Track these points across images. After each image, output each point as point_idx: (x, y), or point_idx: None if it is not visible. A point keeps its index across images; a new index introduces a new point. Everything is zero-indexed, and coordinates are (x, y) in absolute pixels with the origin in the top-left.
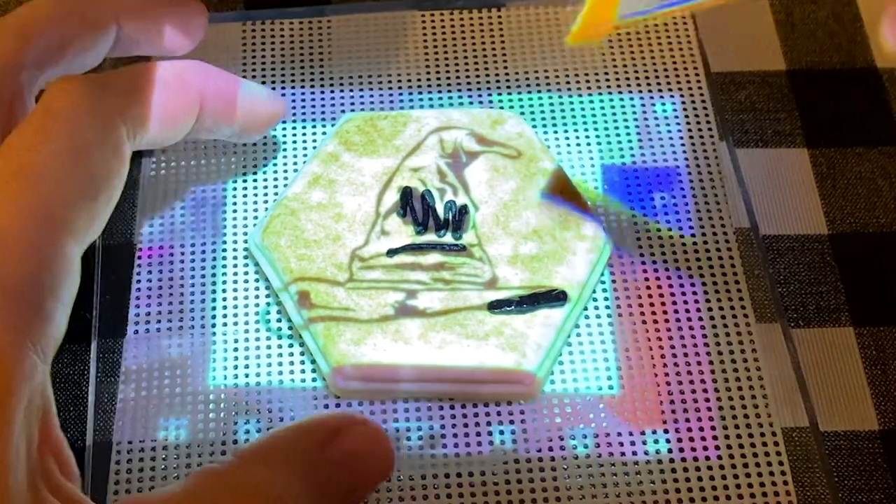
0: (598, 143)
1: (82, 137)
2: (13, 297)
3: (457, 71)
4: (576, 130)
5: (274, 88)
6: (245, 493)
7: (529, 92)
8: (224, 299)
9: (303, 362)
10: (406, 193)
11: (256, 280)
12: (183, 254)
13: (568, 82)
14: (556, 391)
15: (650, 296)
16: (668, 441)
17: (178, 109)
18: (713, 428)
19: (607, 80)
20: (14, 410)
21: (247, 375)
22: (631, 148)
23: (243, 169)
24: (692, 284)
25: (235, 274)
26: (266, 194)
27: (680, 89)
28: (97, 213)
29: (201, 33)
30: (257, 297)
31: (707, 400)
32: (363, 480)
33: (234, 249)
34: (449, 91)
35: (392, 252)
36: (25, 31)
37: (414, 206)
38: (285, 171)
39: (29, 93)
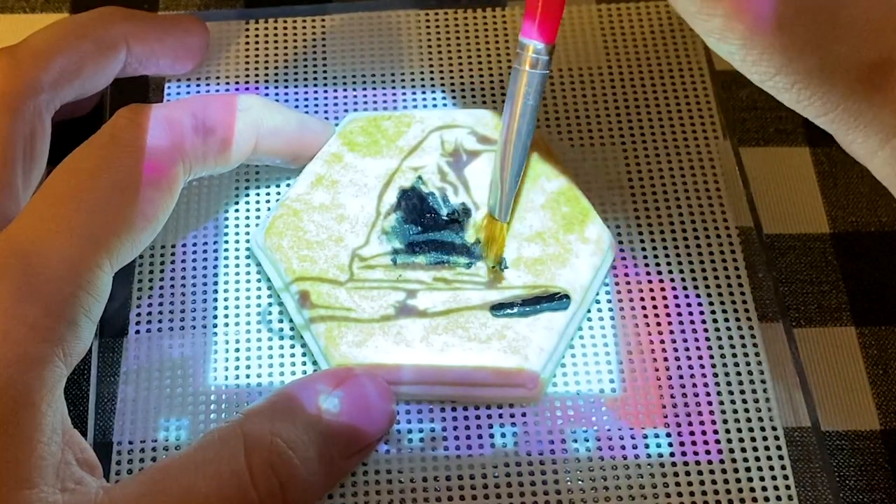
0: (602, 143)
1: (140, 173)
2: (52, 312)
3: (460, 70)
4: (579, 130)
5: (276, 87)
6: (252, 445)
7: None
8: (225, 299)
9: (304, 363)
10: (406, 193)
11: (258, 280)
12: (185, 253)
13: (572, 82)
14: (558, 392)
15: (653, 297)
16: (669, 441)
17: (234, 147)
18: (715, 429)
19: (611, 79)
20: (45, 415)
21: (248, 376)
22: (634, 147)
23: (246, 168)
24: (694, 284)
25: (237, 274)
26: (269, 194)
27: (684, 87)
28: (139, 243)
29: (203, 52)
30: (259, 297)
31: (709, 400)
32: (365, 431)
33: (236, 249)
34: (452, 90)
35: (396, 251)
36: (44, 56)
37: (414, 206)
38: (288, 171)
39: (47, 113)
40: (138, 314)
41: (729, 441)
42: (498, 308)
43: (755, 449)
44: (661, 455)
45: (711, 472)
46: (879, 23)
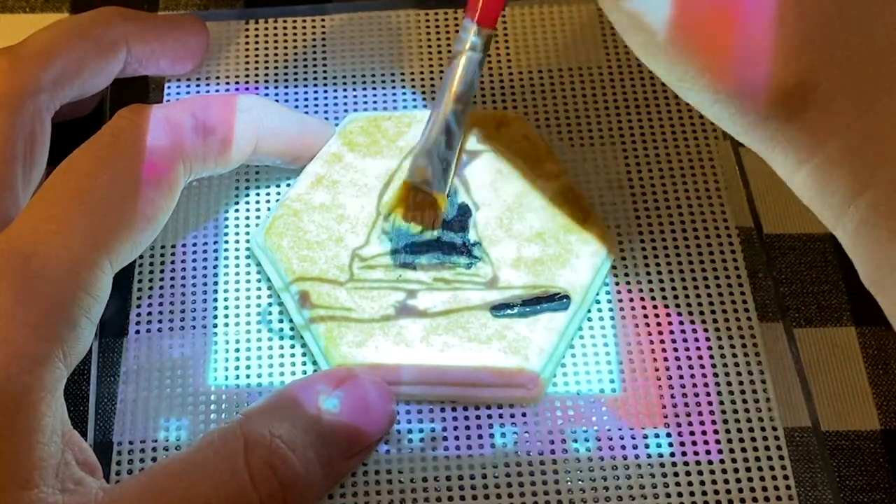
0: (602, 143)
1: (140, 173)
2: (52, 312)
3: None
4: (579, 131)
5: (276, 87)
6: (252, 445)
7: (533, 92)
8: (225, 299)
9: (304, 363)
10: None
11: (258, 280)
12: (185, 253)
13: (571, 82)
14: (558, 392)
15: (653, 297)
16: (669, 441)
17: (234, 147)
18: (715, 429)
19: (611, 79)
20: (45, 415)
21: (248, 376)
22: (634, 148)
23: (246, 168)
24: (695, 284)
25: (237, 274)
26: (269, 194)
27: None
28: (139, 243)
29: (202, 53)
30: (259, 297)
31: (709, 400)
32: (365, 431)
33: (236, 249)
34: None
35: (396, 251)
36: (44, 56)
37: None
38: (288, 171)
39: (47, 113)
40: (138, 314)
41: (729, 441)
42: (498, 308)
43: (755, 449)
44: (661, 455)
45: (711, 471)
46: (793, 47)
